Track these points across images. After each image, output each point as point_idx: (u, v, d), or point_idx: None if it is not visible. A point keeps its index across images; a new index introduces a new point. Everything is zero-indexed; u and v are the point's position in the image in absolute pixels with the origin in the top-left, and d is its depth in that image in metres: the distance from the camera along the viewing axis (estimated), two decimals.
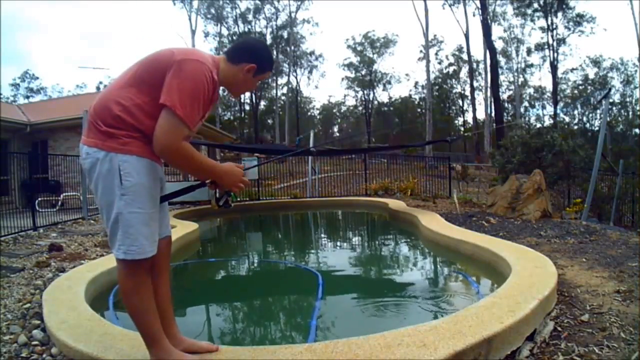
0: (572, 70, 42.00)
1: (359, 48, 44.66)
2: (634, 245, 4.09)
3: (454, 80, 45.51)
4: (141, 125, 1.50)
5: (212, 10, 35.89)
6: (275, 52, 38.51)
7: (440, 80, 45.10)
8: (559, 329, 2.16)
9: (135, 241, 1.51)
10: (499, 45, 36.65)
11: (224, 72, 1.67)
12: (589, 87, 42.14)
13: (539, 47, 37.41)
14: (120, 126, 1.50)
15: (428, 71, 30.89)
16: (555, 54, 36.23)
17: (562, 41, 35.79)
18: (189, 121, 1.48)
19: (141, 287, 1.56)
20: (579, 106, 44.80)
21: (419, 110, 48.29)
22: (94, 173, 1.52)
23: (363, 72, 45.76)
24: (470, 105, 40.72)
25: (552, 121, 37.31)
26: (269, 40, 37.72)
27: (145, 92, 1.51)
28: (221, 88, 1.73)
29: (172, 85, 1.47)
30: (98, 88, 40.29)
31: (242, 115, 44.81)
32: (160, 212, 1.71)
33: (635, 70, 39.31)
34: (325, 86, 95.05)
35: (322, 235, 7.21)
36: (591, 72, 41.95)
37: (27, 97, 41.32)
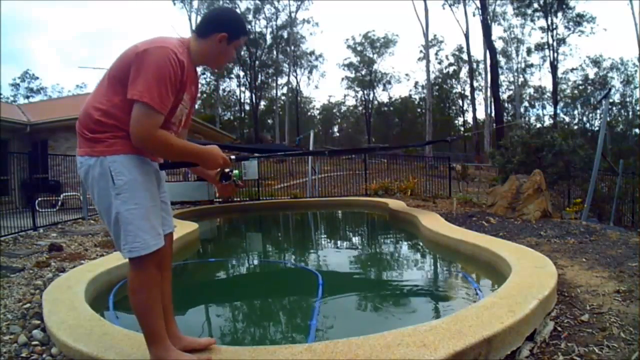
0: (572, 70, 42.01)
1: (359, 48, 44.66)
2: (634, 245, 4.08)
3: (454, 80, 45.50)
4: (122, 124, 1.51)
5: None
6: (275, 52, 38.46)
7: (440, 80, 45.09)
8: (559, 329, 2.16)
9: (137, 237, 1.51)
10: (499, 45, 36.68)
11: (196, 49, 1.64)
12: (589, 87, 42.11)
13: (539, 47, 37.38)
14: (103, 129, 1.52)
15: (428, 71, 30.90)
16: (555, 54, 36.21)
17: (562, 41, 35.75)
18: (160, 106, 1.47)
19: (150, 283, 1.56)
20: (579, 106, 44.80)
21: (419, 110, 48.28)
22: (89, 180, 1.55)
23: (363, 72, 45.74)
24: (470, 105, 40.72)
25: (552, 121, 37.33)
26: (269, 40, 37.69)
27: (120, 90, 1.51)
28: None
29: (136, 77, 1.46)
30: None
31: (242, 115, 44.80)
32: (162, 209, 1.72)
33: (635, 70, 39.36)
34: (325, 86, 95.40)
35: (322, 235, 7.21)
36: (591, 72, 41.98)
37: (27, 97, 41.30)
